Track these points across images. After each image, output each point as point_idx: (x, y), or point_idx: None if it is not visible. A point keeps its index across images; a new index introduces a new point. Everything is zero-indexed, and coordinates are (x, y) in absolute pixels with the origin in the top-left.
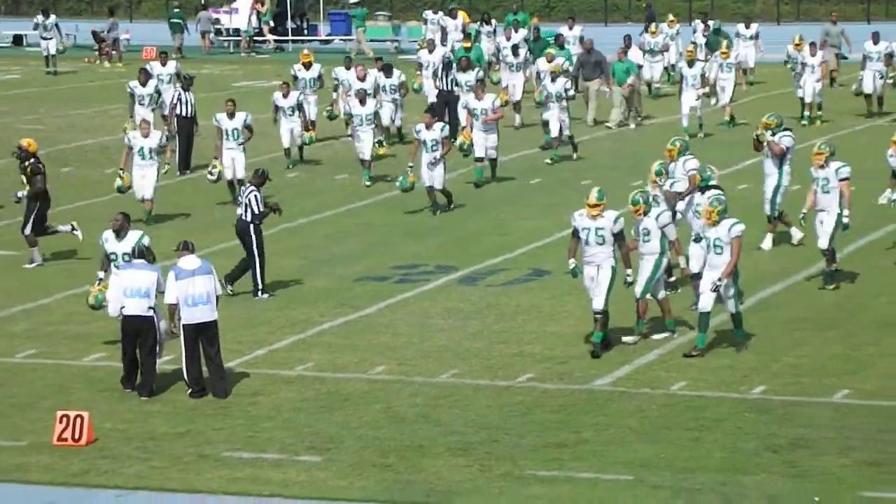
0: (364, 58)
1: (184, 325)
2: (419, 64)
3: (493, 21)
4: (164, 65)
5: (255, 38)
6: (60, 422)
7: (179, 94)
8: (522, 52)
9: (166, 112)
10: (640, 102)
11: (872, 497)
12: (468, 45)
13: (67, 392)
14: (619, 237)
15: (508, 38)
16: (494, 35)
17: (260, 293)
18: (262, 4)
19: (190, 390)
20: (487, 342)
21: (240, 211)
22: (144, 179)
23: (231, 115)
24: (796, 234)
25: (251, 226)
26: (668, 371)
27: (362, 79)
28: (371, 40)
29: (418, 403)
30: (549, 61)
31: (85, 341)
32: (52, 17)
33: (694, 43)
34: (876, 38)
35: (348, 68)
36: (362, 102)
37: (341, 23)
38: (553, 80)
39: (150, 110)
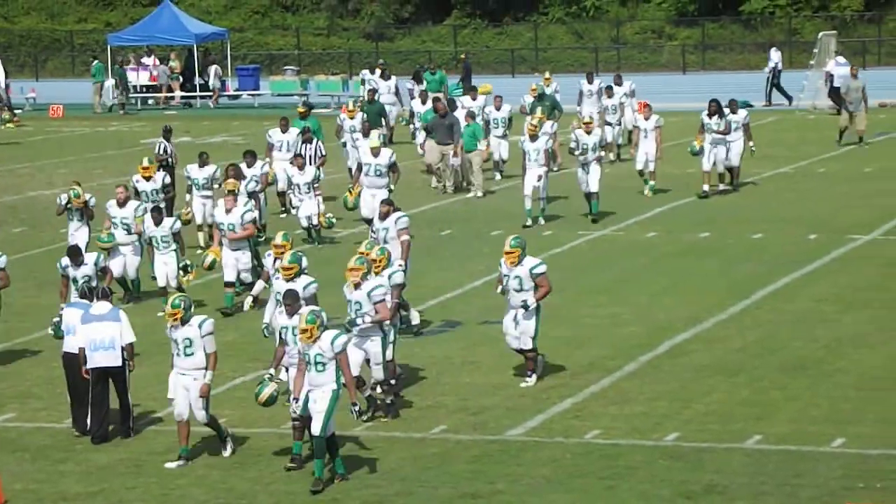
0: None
1: (91, 370)
2: (270, 145)
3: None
4: None
5: (167, 94)
6: None
7: (164, 145)
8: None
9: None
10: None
11: None
12: (303, 110)
13: None
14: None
15: (424, 102)
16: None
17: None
18: (167, 62)
19: (91, 436)
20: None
21: None
22: None
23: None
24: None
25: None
26: (581, 420)
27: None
28: (278, 94)
29: None
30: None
31: None
32: None
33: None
34: (734, 107)
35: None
36: (157, 223)
37: (249, 78)
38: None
39: None
